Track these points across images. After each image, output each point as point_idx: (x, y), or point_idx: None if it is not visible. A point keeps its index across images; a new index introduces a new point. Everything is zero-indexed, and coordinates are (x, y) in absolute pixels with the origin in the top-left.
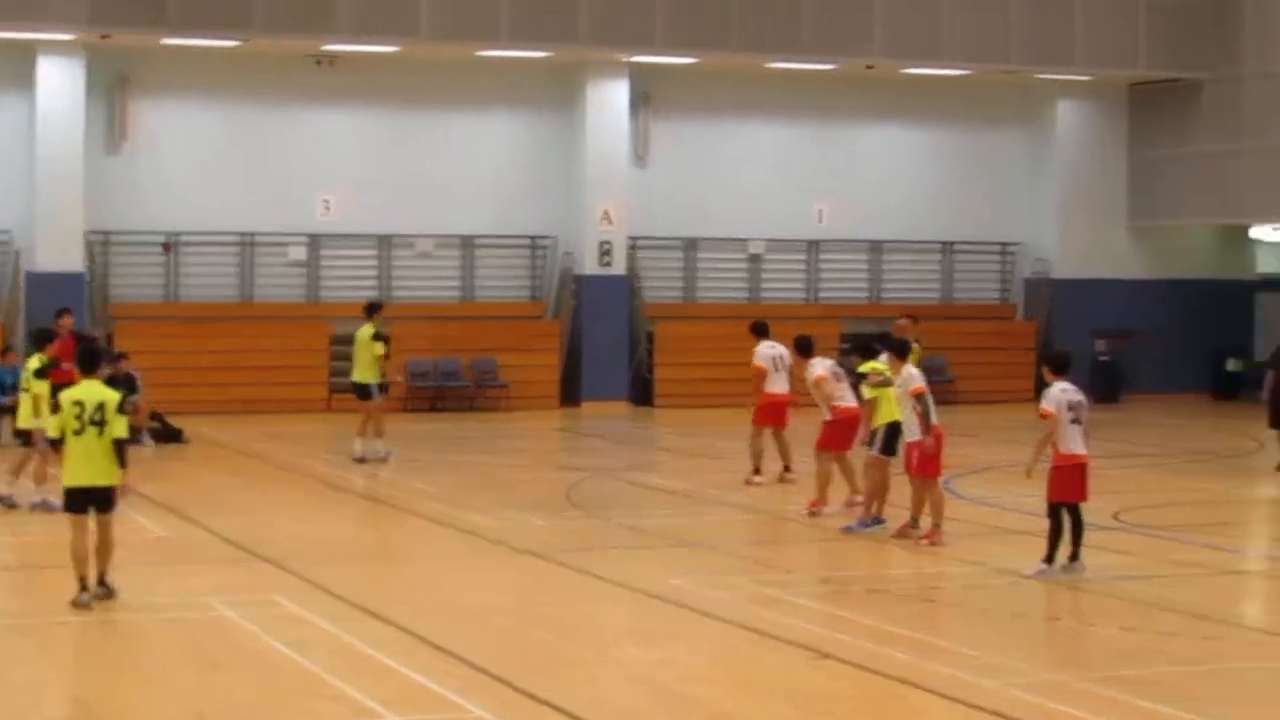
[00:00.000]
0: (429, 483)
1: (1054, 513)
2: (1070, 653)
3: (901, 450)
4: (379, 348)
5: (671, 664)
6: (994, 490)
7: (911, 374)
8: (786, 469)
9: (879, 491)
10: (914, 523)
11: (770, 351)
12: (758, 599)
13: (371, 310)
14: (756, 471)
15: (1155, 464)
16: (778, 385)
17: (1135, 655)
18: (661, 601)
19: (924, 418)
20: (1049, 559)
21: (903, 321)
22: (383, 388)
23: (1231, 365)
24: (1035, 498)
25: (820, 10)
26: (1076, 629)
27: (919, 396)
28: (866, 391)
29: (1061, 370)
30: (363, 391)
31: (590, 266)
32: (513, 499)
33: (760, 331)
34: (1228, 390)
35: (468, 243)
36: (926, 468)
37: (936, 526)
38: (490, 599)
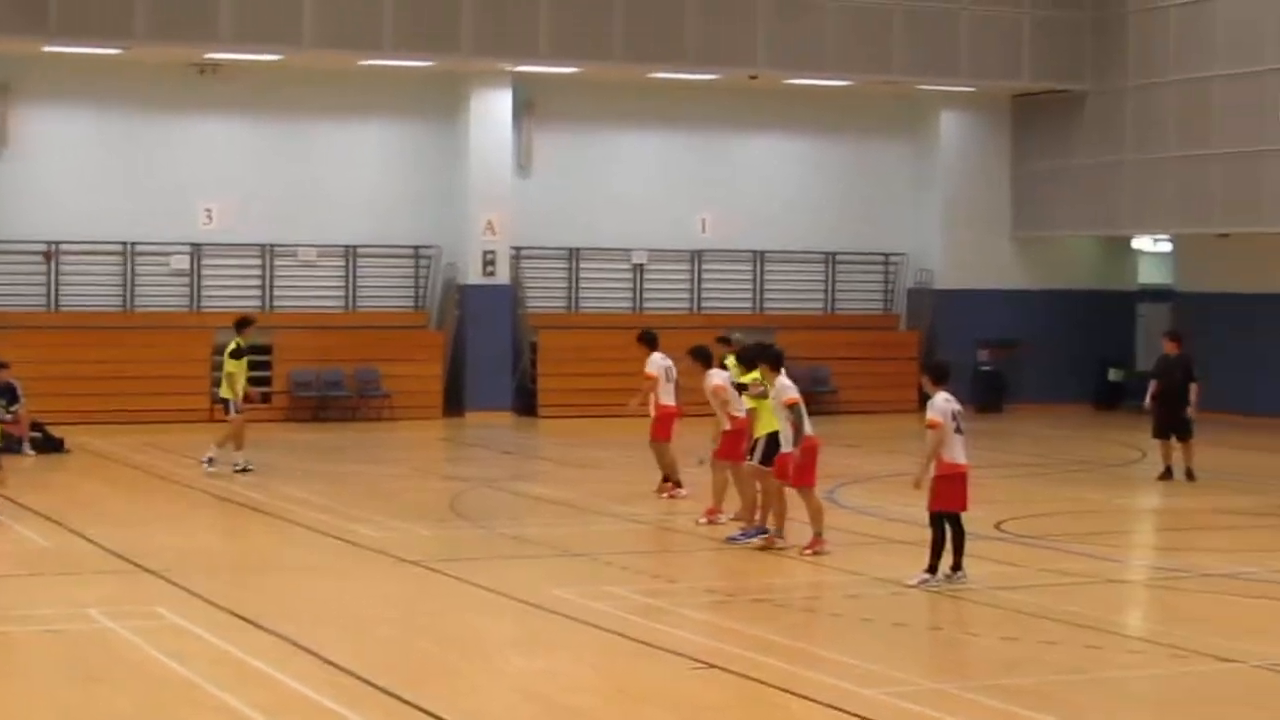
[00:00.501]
0: (312, 492)
1: (936, 522)
2: (952, 662)
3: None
4: (230, 364)
5: (554, 674)
6: (876, 500)
7: (784, 385)
8: (666, 480)
9: (760, 502)
10: (778, 534)
11: (663, 362)
12: (641, 609)
13: (239, 326)
14: (677, 484)
15: (1037, 474)
16: (668, 397)
17: (1017, 664)
18: (545, 611)
19: (797, 428)
20: (932, 569)
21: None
22: (247, 399)
23: (1113, 375)
24: (916, 507)
25: (703, 20)
26: (958, 638)
27: (791, 407)
28: (746, 402)
29: (942, 380)
30: (224, 405)
31: (474, 276)
32: (396, 509)
33: (650, 342)
34: (1110, 400)
35: (351, 252)
36: (802, 477)
37: (818, 535)
38: (373, 609)
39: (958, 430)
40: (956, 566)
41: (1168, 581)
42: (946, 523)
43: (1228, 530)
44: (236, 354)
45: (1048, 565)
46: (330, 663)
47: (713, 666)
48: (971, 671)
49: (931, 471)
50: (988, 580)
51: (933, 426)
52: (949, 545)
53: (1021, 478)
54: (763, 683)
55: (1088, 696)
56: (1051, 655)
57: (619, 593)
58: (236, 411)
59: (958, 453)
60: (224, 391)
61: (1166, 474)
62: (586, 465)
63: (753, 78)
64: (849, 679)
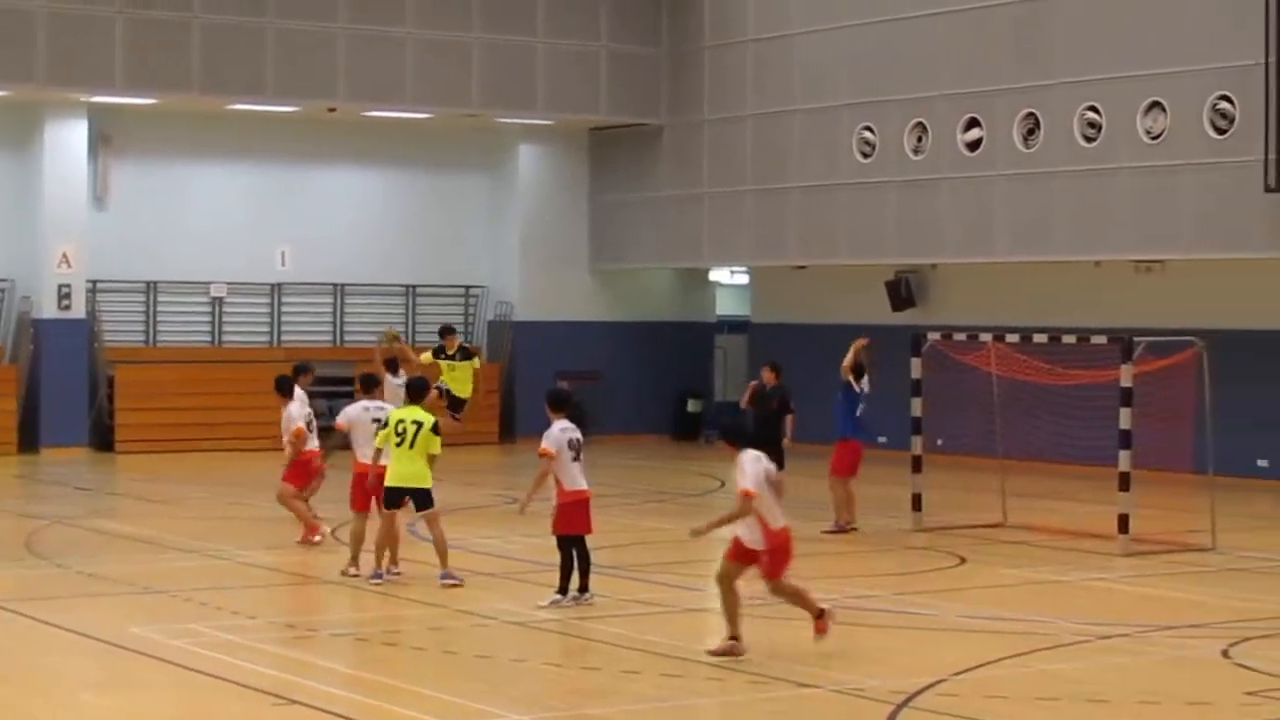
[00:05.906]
0: None
1: (562, 546)
2: (534, 693)
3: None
4: None
5: (133, 713)
6: (456, 533)
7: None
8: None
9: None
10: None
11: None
12: (220, 645)
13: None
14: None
15: (618, 504)
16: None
17: (597, 694)
18: (123, 650)
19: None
20: (562, 590)
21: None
22: None
23: (692, 406)
24: (497, 539)
25: (283, 52)
26: (540, 669)
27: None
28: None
29: (560, 407)
30: None
31: (49, 310)
32: None
33: (285, 389)
34: (689, 431)
35: None
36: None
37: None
38: None
39: (575, 458)
40: (583, 589)
41: (748, 609)
42: (572, 546)
43: (809, 558)
44: None
45: (629, 595)
46: None
47: (294, 702)
48: (553, 702)
49: (554, 499)
50: (570, 610)
51: (545, 455)
52: (576, 567)
53: (602, 508)
54: (344, 717)
55: None
56: (632, 684)
57: (198, 629)
58: None
59: (578, 479)
60: None
61: None
62: (165, 501)
63: (332, 110)
64: (431, 712)
